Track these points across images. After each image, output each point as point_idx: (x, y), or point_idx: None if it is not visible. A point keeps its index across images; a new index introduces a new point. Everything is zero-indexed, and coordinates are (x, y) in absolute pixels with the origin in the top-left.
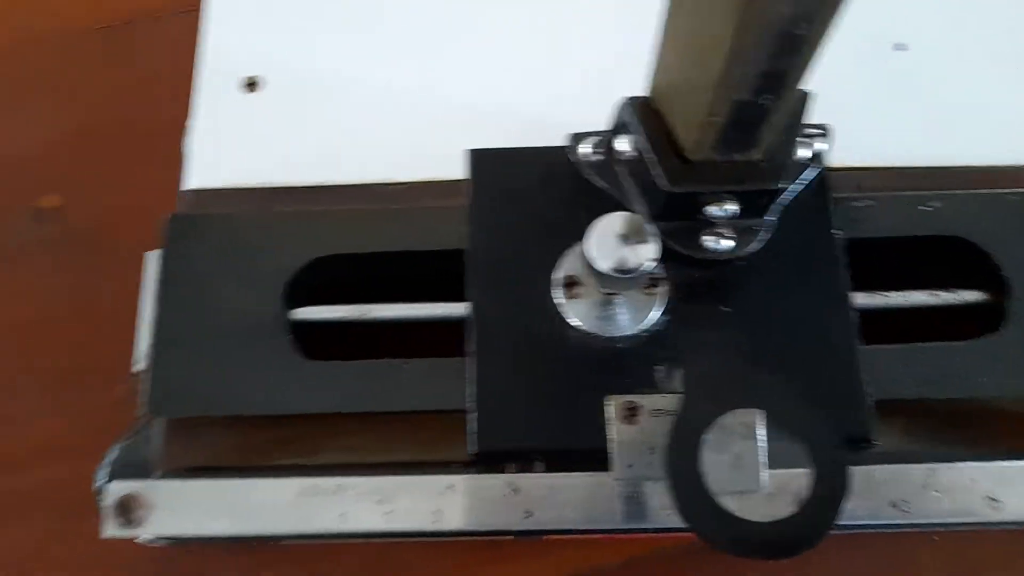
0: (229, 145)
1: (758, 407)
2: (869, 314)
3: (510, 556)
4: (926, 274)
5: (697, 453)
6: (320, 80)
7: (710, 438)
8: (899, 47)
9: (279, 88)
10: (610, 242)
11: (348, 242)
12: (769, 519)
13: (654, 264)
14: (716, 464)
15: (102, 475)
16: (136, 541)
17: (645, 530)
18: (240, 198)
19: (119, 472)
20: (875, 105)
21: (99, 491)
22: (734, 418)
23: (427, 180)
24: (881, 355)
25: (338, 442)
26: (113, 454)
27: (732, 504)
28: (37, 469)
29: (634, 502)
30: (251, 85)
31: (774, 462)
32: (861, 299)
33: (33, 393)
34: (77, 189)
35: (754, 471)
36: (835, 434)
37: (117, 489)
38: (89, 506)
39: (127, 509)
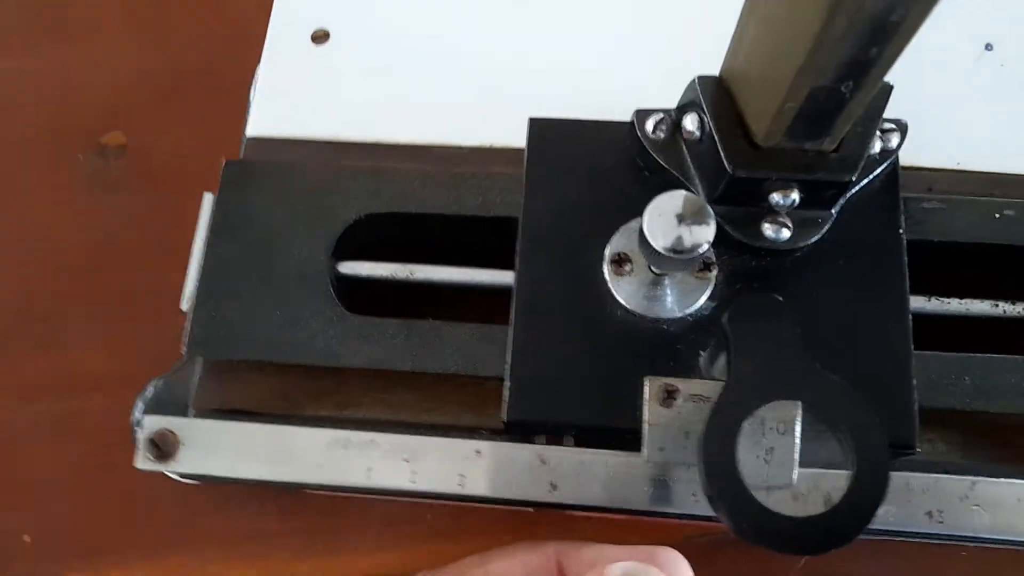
0: (294, 96)
1: (802, 400)
2: (926, 319)
3: (532, 527)
4: (991, 284)
5: (734, 441)
6: (389, 37)
7: (745, 429)
8: (989, 47)
9: (348, 42)
10: (668, 220)
11: (403, 201)
12: (802, 514)
13: (709, 247)
14: (750, 456)
15: (139, 408)
16: (168, 475)
17: (670, 515)
18: (301, 149)
19: (155, 407)
20: (957, 105)
21: (135, 423)
22: (771, 412)
23: (490, 146)
24: (934, 361)
25: (376, 398)
26: (151, 389)
27: (762, 497)
28: (82, 396)
29: (662, 486)
30: (320, 37)
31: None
32: (919, 303)
33: (86, 322)
34: (143, 129)
35: (788, 467)
36: (882, 434)
37: (152, 423)
38: (125, 437)
39: (160, 444)
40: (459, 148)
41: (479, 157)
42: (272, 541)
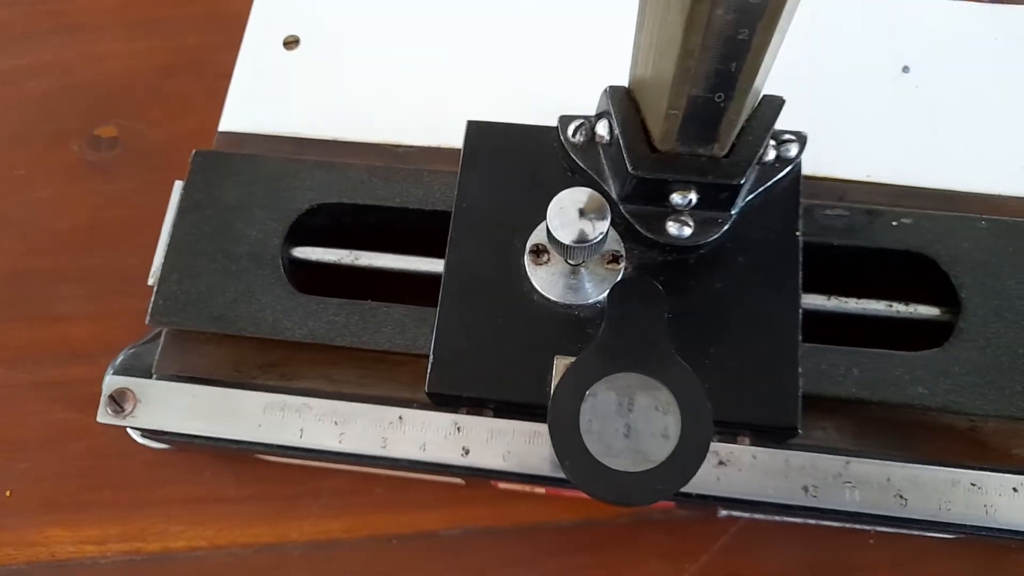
0: (264, 95)
1: (648, 375)
2: (827, 317)
3: (467, 501)
4: (887, 286)
5: (580, 398)
6: (353, 46)
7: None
8: (906, 70)
9: (316, 49)
10: (570, 214)
11: (352, 193)
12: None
13: (602, 236)
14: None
15: (109, 373)
16: (136, 441)
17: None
18: (267, 143)
19: (123, 372)
20: (872, 122)
21: (104, 387)
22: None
23: (437, 146)
24: (826, 354)
25: (319, 371)
26: (122, 356)
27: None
28: (66, 365)
29: None
30: (291, 43)
31: None
32: (819, 301)
33: (74, 297)
34: (135, 121)
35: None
36: (703, 392)
37: (112, 382)
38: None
39: (119, 400)
40: (408, 147)
41: (425, 156)
42: (229, 506)
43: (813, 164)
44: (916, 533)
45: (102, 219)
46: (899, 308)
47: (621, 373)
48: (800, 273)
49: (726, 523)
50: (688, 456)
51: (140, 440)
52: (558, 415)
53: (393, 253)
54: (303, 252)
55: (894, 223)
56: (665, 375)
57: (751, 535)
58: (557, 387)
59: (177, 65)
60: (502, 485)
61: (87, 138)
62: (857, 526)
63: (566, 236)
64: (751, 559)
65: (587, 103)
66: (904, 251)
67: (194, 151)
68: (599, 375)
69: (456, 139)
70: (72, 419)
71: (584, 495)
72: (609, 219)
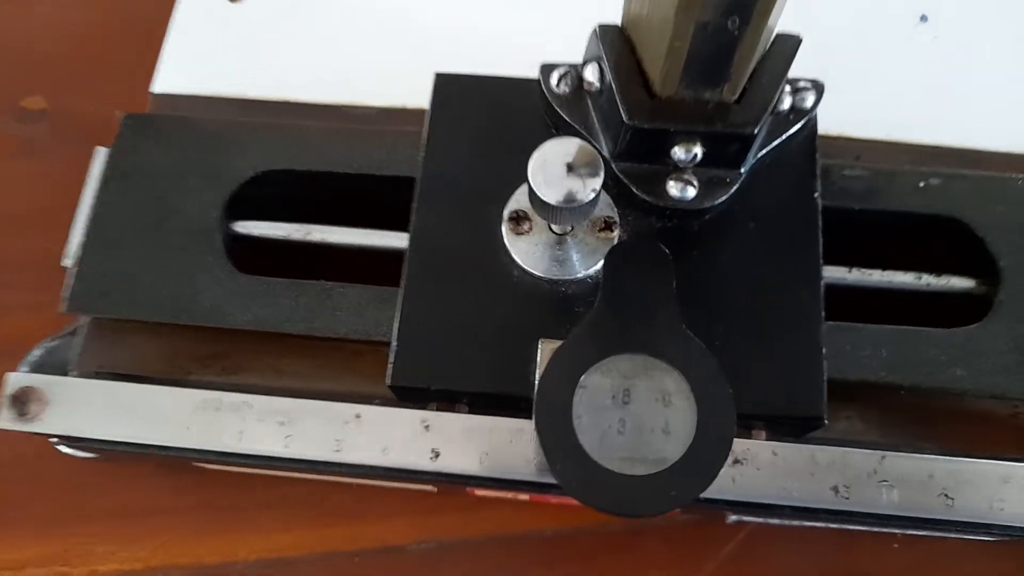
0: (205, 53)
1: (643, 352)
2: (849, 291)
3: (438, 510)
4: (916, 255)
5: (573, 387)
6: None
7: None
8: (924, 19)
9: (264, 1)
10: (555, 169)
11: (301, 158)
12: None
13: (595, 195)
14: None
15: (21, 370)
16: (60, 450)
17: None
18: (208, 106)
19: (39, 369)
20: (889, 76)
21: None
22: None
23: (402, 107)
24: (850, 333)
25: (267, 363)
26: (37, 352)
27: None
28: None
29: None
30: None
31: None
32: (840, 274)
33: (7, 287)
34: (65, 92)
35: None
36: (721, 374)
37: (15, 381)
38: None
39: (22, 401)
40: (368, 108)
41: (389, 118)
42: (166, 520)
43: (824, 121)
44: (954, 536)
45: (28, 199)
46: (929, 280)
47: (620, 355)
48: (820, 240)
49: (732, 529)
50: (707, 454)
51: (63, 449)
52: (546, 409)
53: (350, 227)
54: (246, 227)
55: (921, 184)
56: (675, 355)
57: (760, 541)
58: (543, 375)
59: (112, 32)
60: (479, 491)
61: (12, 110)
62: (886, 530)
63: (552, 196)
64: (760, 568)
65: (572, 52)
66: (933, 215)
67: (123, 114)
68: (594, 359)
69: (423, 99)
70: None
71: (575, 503)
72: (603, 175)
